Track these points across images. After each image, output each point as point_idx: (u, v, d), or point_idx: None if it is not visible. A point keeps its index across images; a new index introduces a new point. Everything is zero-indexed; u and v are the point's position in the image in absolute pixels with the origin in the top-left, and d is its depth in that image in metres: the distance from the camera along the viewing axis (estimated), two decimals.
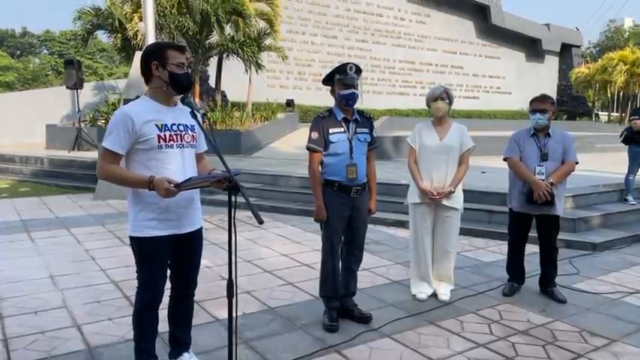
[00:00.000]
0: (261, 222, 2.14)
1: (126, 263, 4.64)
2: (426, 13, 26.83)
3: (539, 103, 3.97)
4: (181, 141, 2.51)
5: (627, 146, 7.37)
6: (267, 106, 16.78)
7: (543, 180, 3.86)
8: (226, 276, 2.31)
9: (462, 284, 4.31)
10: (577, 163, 3.99)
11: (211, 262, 4.78)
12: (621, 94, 31.38)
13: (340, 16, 23.97)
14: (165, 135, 2.45)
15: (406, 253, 4.54)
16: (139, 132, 2.39)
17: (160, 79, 2.45)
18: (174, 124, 2.50)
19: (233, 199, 2.24)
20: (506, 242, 4.35)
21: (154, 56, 2.45)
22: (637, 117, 7.23)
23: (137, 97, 2.56)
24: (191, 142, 2.56)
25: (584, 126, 24.28)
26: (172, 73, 2.43)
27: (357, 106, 3.46)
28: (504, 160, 4.13)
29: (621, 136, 7.46)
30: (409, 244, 4.18)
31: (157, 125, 2.43)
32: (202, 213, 2.71)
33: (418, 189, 3.91)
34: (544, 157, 3.93)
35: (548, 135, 3.98)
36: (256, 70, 15.81)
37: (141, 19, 11.37)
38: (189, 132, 2.56)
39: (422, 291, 4.03)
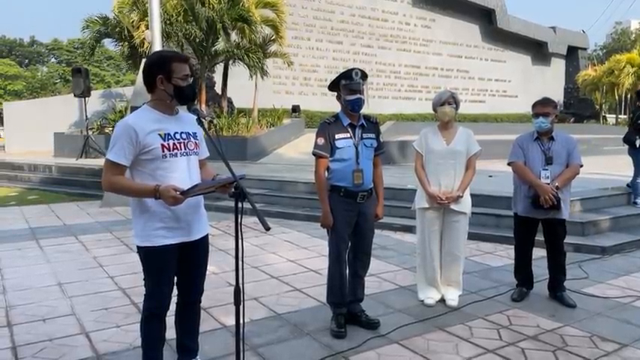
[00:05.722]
0: (267, 228, 2.14)
1: (133, 270, 4.65)
2: (431, 18, 26.79)
3: (541, 107, 3.94)
4: (185, 149, 2.52)
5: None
6: (273, 112, 16.81)
7: (549, 184, 3.84)
8: (233, 282, 2.31)
9: (471, 289, 4.29)
10: (581, 166, 3.96)
11: (218, 269, 4.79)
12: (629, 96, 31.14)
13: (345, 21, 23.98)
14: (169, 144, 2.46)
15: (413, 259, 4.52)
16: (142, 143, 2.40)
17: (165, 93, 2.46)
18: (177, 133, 2.51)
19: (240, 205, 2.25)
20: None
21: (159, 70, 2.44)
22: None
23: (144, 104, 2.57)
24: (194, 150, 2.58)
25: (591, 129, 24.07)
26: (178, 86, 2.44)
27: (363, 111, 3.45)
28: (508, 164, 4.10)
29: (628, 140, 7.29)
30: (416, 249, 4.16)
31: (159, 135, 2.44)
32: (209, 219, 2.72)
33: (426, 194, 3.90)
34: (549, 161, 3.90)
35: (552, 139, 3.96)
36: (262, 77, 15.86)
37: (147, 27, 11.45)
38: (192, 139, 2.57)
39: (430, 296, 4.01)
